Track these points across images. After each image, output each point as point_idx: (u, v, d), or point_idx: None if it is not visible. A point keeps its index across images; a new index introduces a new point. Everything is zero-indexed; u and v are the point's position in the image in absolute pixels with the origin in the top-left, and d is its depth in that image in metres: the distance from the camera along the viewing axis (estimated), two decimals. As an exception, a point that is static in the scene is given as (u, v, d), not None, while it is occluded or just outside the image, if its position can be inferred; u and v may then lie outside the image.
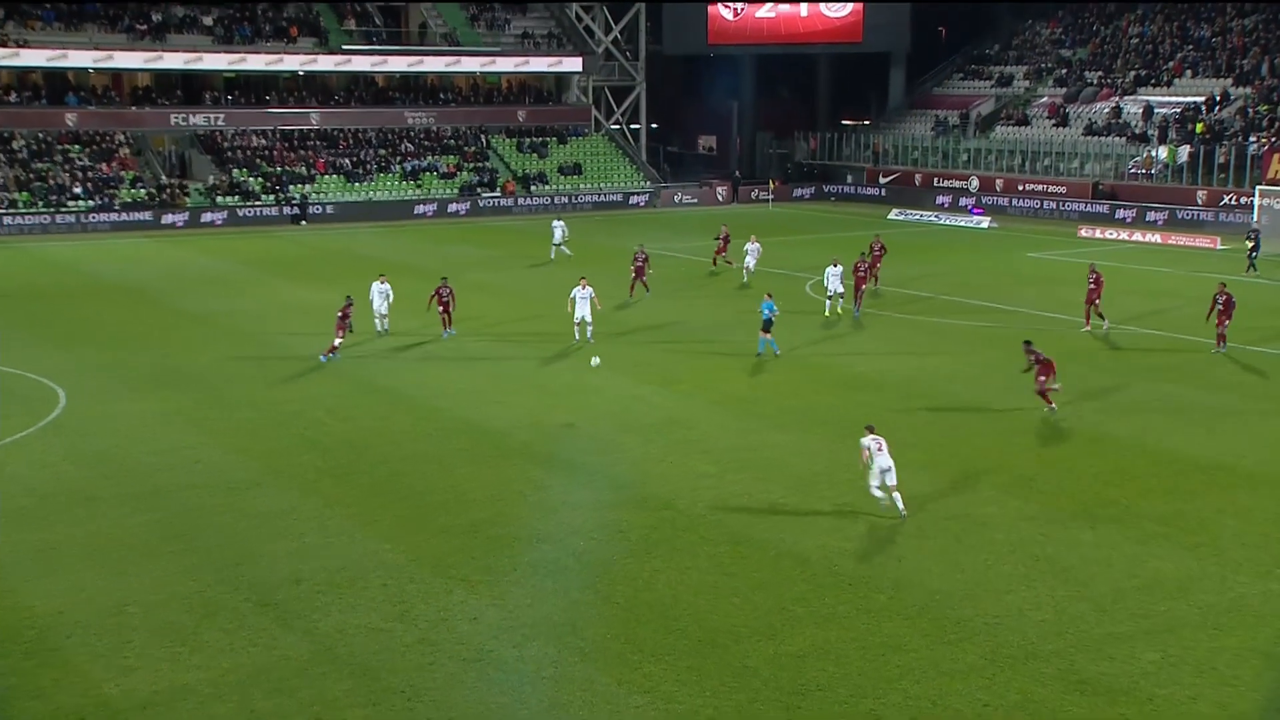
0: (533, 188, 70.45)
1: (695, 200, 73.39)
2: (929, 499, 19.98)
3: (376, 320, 32.56)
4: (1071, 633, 14.99)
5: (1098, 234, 56.14)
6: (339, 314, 29.99)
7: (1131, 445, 22.87)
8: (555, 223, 49.63)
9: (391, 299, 32.86)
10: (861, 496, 20.07)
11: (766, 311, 30.40)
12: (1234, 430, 23.86)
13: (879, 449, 19.01)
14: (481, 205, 67.36)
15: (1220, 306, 30.24)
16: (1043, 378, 24.65)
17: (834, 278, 36.21)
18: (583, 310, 30.77)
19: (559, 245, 48.50)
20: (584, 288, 30.98)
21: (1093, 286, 32.80)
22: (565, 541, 18.14)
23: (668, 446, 23.00)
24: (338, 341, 29.62)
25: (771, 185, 73.45)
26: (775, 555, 17.60)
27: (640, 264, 39.18)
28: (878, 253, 40.30)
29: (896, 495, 18.88)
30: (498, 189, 69.43)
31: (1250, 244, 44.47)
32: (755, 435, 23.75)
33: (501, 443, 22.78)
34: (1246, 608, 15.62)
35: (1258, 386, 27.15)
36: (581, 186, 71.79)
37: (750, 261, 41.18)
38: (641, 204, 71.70)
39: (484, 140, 73.08)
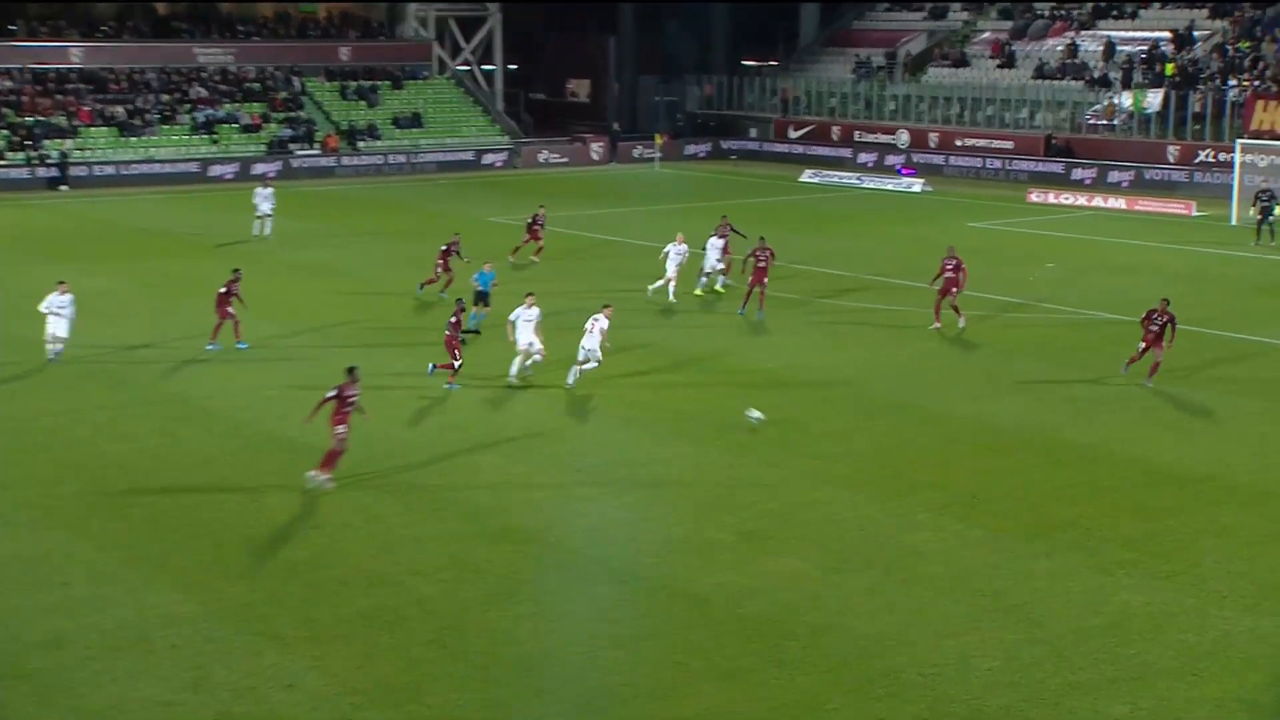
0: (361, 144, 69.74)
1: (565, 159, 73.52)
2: (852, 522, 20.28)
3: (49, 347, 29.26)
4: (1024, 683, 15.35)
5: (1051, 198, 57.68)
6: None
7: (1093, 454, 23.52)
8: (261, 190, 47.55)
9: (72, 316, 29.42)
10: (773, 521, 20.28)
11: (483, 284, 31.76)
12: (1213, 434, 24.69)
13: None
14: (296, 166, 66.47)
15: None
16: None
17: (714, 250, 36.53)
18: (527, 336, 27.64)
19: (265, 217, 46.43)
20: (529, 307, 27.70)
21: (951, 275, 32.57)
22: (406, 585, 17.99)
23: (534, 465, 22.96)
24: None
25: (658, 141, 73.91)
26: (667, 597, 17.68)
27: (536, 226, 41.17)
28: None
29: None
30: (316, 145, 68.58)
31: (1258, 209, 45.66)
32: (642, 448, 23.84)
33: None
34: (1230, 649, 16.17)
35: (1241, 382, 28.14)
36: (422, 142, 71.32)
37: (671, 268, 35.87)
38: (499, 164, 71.55)
39: (298, 84, 72.06)
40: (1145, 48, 65.90)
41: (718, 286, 36.88)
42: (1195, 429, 25.02)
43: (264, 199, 46.98)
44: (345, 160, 68.18)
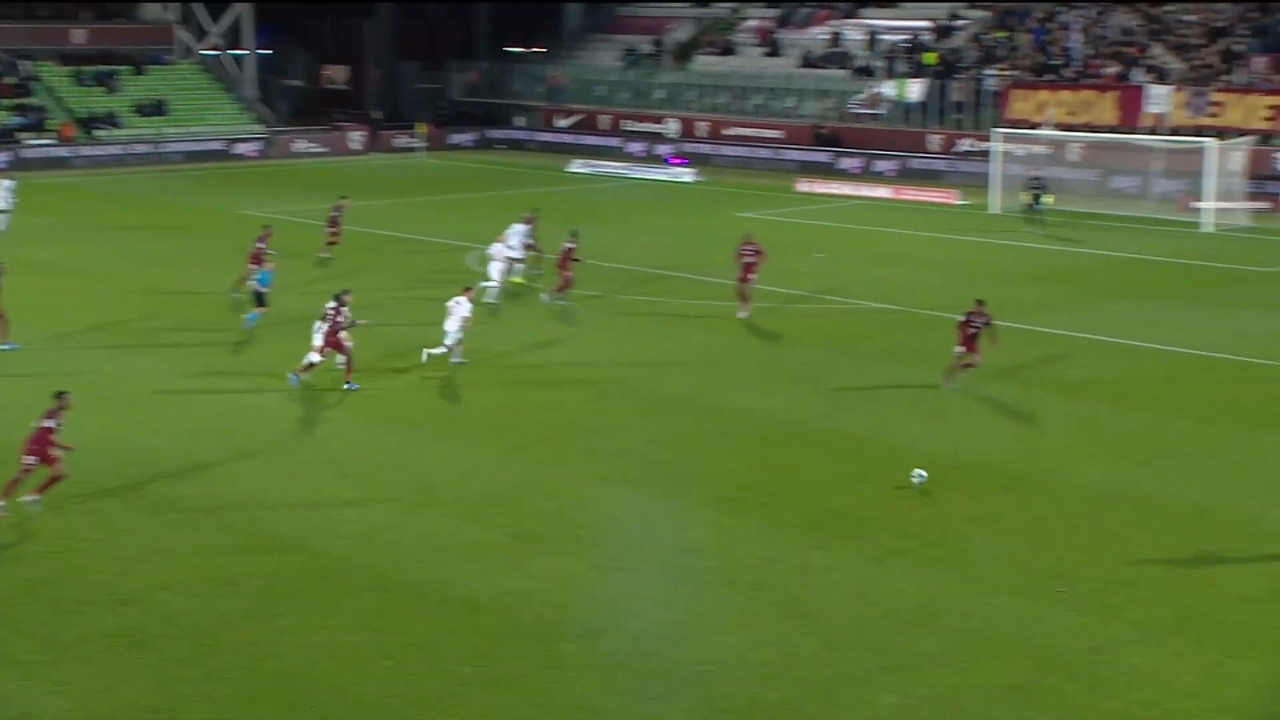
0: (99, 132, 67.31)
1: (324, 149, 72.35)
2: (627, 520, 20.46)
3: None
4: (798, 677, 15.70)
5: (819, 188, 59.10)
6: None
7: (865, 442, 24.21)
8: (5, 182, 46.26)
9: None
10: (546, 522, 20.31)
11: (262, 283, 31.63)
12: (980, 421, 25.66)
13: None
14: (27, 157, 63.75)
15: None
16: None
17: (516, 236, 36.48)
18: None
19: (4, 213, 45.16)
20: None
21: (750, 261, 33.18)
22: (155, 601, 17.46)
23: (295, 470, 22.54)
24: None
25: (421, 130, 73.30)
26: (437, 603, 17.55)
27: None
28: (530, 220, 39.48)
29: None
30: (49, 134, 65.94)
31: (1030, 197, 47.46)
32: (410, 450, 23.64)
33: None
34: (997, 635, 16.82)
35: (1006, 369, 29.28)
36: (167, 131, 69.24)
37: (494, 269, 35.07)
38: (251, 154, 69.97)
39: (26, 68, 69.17)
40: (907, 37, 68.04)
41: (517, 278, 36.65)
42: (962, 417, 25.93)
43: (5, 192, 45.11)
44: (83, 150, 65.76)
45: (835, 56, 69.57)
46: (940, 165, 60.96)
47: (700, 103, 72.38)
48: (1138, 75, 57.12)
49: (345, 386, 26.95)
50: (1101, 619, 17.18)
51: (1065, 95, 58.45)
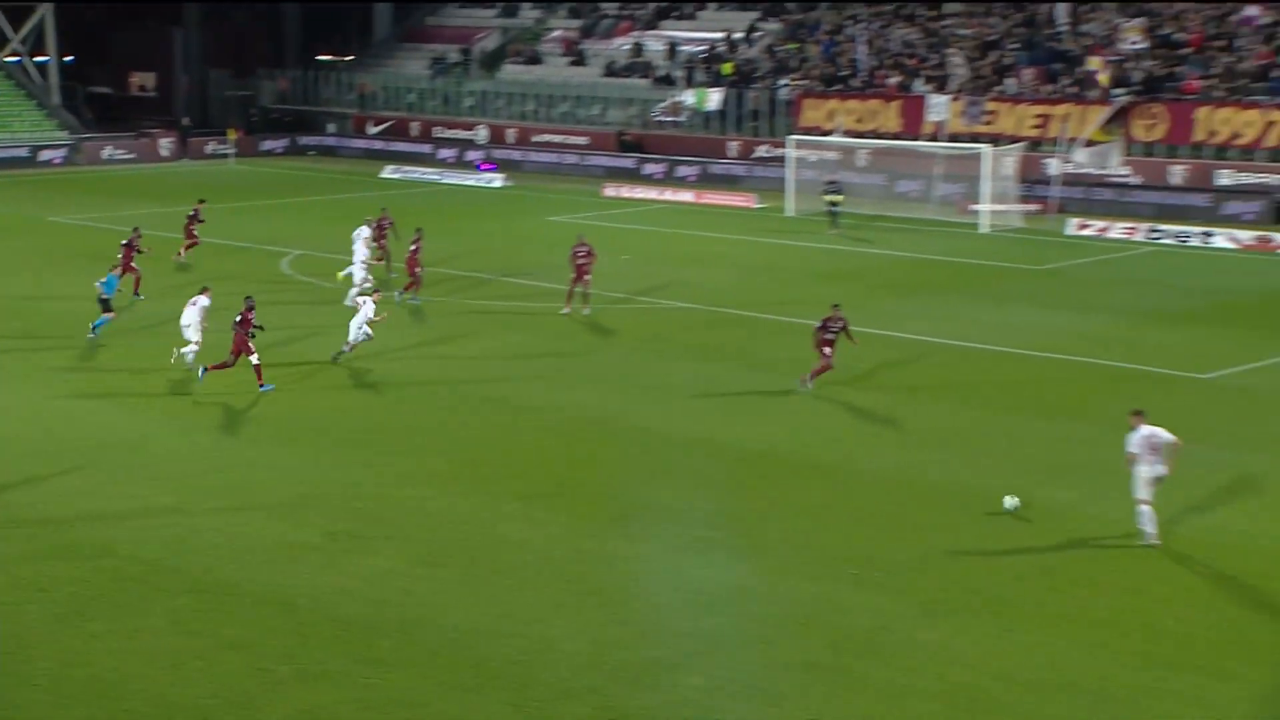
0: (-100, 139, 64.31)
1: (132, 155, 70.21)
2: (443, 516, 20.27)
3: None
4: (609, 663, 15.71)
5: (624, 193, 59.35)
6: None
7: (675, 437, 24.36)
8: None
9: None
10: (362, 520, 20.00)
11: (107, 290, 30.98)
12: (783, 414, 26.02)
13: (1151, 450, 18.76)
14: None
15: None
16: None
17: (359, 241, 36.08)
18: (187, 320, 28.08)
19: None
20: (205, 297, 28.31)
21: (583, 262, 33.40)
22: (-36, 613, 16.70)
23: (106, 475, 21.83)
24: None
25: (232, 136, 71.59)
26: (252, 604, 17.14)
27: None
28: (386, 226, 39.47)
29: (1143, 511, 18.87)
30: None
31: (830, 200, 48.13)
32: (226, 453, 23.09)
33: None
34: (796, 616, 17.06)
35: (800, 364, 29.76)
36: (-29, 138, 66.46)
37: (358, 269, 35.12)
38: (57, 160, 67.61)
39: None
40: (705, 48, 68.76)
41: (340, 274, 35.97)
42: (767, 411, 26.26)
43: None
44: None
45: (638, 66, 69.99)
46: (739, 170, 61.69)
47: (509, 110, 72.10)
48: (919, 85, 58.61)
49: (262, 389, 26.43)
50: (892, 599, 17.56)
51: (853, 104, 59.70)
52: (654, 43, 71.50)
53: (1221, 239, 45.52)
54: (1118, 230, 47.36)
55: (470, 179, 64.23)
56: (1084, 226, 48.00)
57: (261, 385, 26.49)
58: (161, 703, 14.69)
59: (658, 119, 66.84)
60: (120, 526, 19.70)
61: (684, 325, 33.49)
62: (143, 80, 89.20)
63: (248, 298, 27.24)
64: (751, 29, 69.43)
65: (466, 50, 76.48)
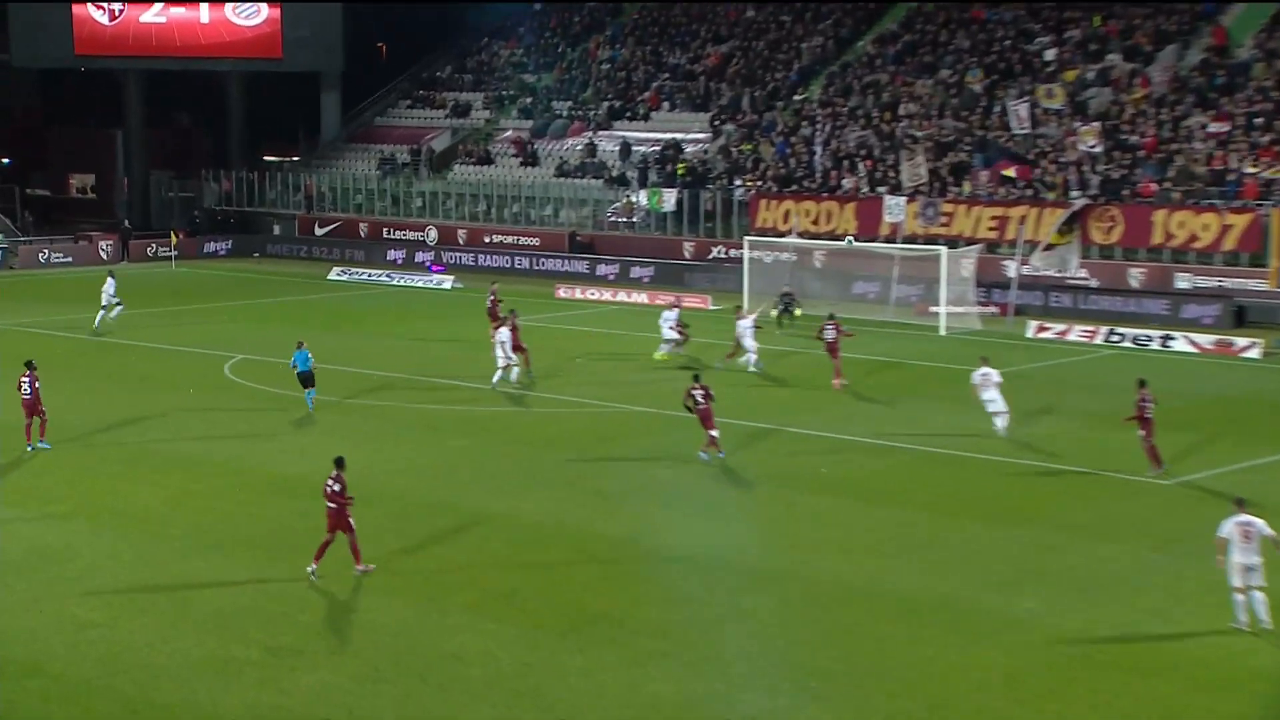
0: None
1: (70, 259, 69.97)
2: (388, 629, 20.09)
3: None
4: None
5: (578, 294, 59.63)
6: None
7: (623, 545, 24.32)
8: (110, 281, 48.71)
9: None
10: (305, 634, 19.79)
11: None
12: (734, 519, 26.05)
13: (1244, 539, 19.58)
14: None
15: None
16: None
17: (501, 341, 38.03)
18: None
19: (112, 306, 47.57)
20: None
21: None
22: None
23: (35, 590, 21.54)
24: None
25: (174, 238, 71.58)
26: (189, 724, 16.91)
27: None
28: None
29: (1257, 599, 19.61)
30: None
31: (778, 309, 48.66)
32: (161, 565, 22.85)
33: None
34: (754, 727, 16.98)
35: (754, 467, 29.86)
36: (-95, 240, 66.17)
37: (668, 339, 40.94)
38: (-6, 264, 67.33)
39: None
40: (659, 148, 69.57)
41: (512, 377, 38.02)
42: (717, 517, 26.27)
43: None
44: None
45: (591, 166, 70.69)
46: (694, 271, 62.17)
47: (459, 210, 72.56)
48: (874, 186, 59.46)
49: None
50: (855, 712, 17.49)
51: (809, 204, 60.43)
52: (607, 143, 72.29)
53: (1181, 343, 46.10)
54: (1077, 333, 47.94)
55: (420, 280, 64.40)
56: (1043, 329, 48.57)
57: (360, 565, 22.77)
58: (93, 828, 14.43)
59: (611, 219, 67.41)
60: (49, 644, 19.40)
61: (637, 428, 33.55)
62: (82, 182, 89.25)
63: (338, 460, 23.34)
64: (704, 130, 70.33)
65: (416, 150, 77.06)
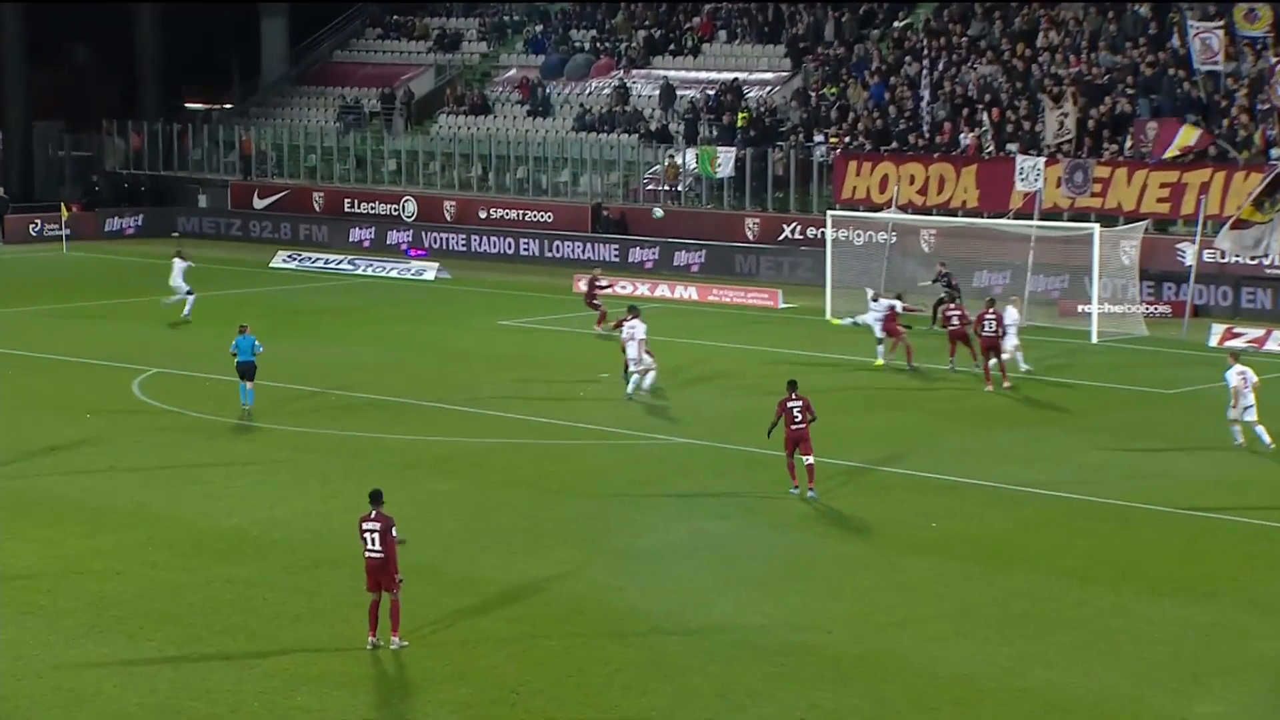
0: None
1: (-73, 239, 70.49)
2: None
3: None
4: None
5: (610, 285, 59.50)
6: None
7: (662, 623, 24.24)
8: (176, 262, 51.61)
9: None
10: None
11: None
12: (820, 587, 25.91)
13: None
14: None
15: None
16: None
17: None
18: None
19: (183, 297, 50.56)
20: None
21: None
22: None
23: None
24: None
25: (65, 212, 71.93)
26: None
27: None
28: None
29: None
30: None
31: (933, 300, 48.37)
32: (46, 650, 22.92)
33: None
34: None
35: (838, 516, 29.80)
36: None
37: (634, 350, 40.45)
38: None
39: None
40: (712, 92, 69.31)
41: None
42: (797, 582, 26.15)
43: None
44: None
45: (621, 117, 70.59)
46: (758, 256, 61.91)
47: (445, 176, 72.70)
48: (1002, 144, 59.14)
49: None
50: None
51: (914, 168, 60.18)
52: (644, 85, 72.24)
53: None
54: (1278, 341, 47.57)
55: (394, 267, 64.53)
56: (1232, 335, 48.23)
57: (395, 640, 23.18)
58: None
59: (649, 188, 67.33)
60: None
61: (676, 466, 33.52)
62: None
63: None
64: (772, 68, 70.16)
65: (389, 95, 77.27)
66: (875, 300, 44.54)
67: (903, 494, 31.62)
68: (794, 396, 30.43)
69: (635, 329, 39.33)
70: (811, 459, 30.24)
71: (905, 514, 30.18)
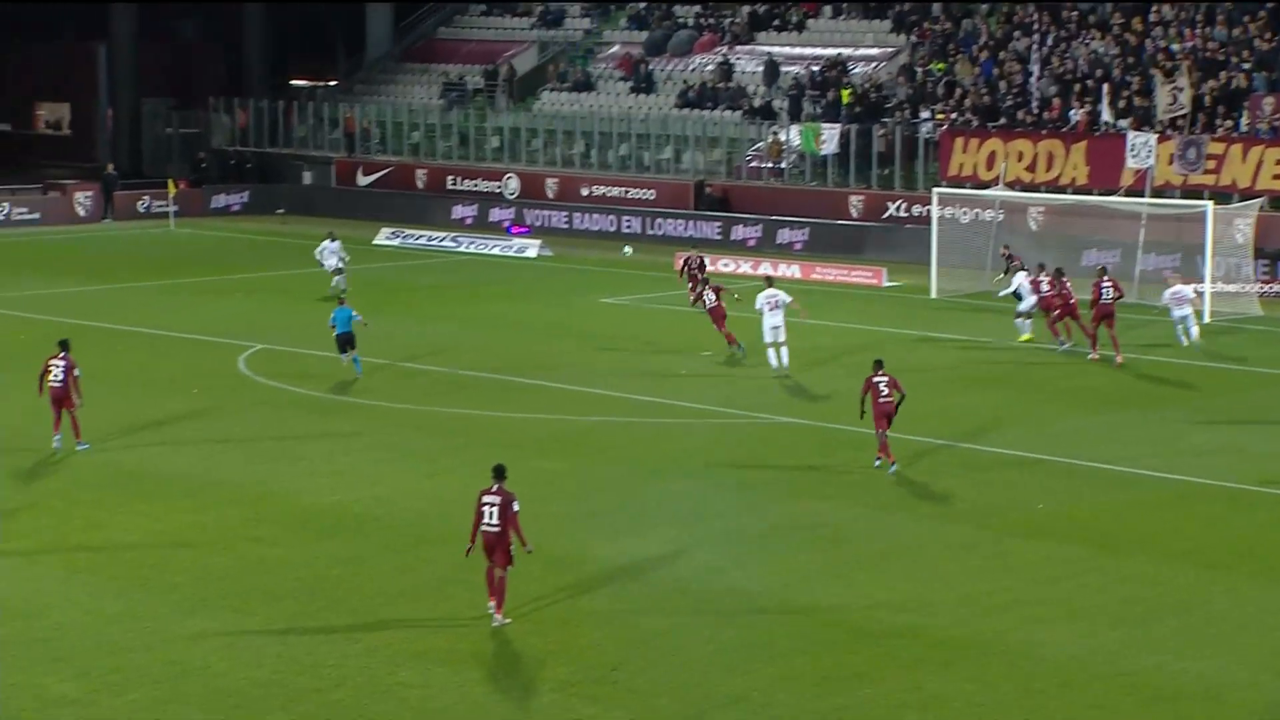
0: None
1: (37, 215, 71.25)
2: (448, 715, 20.22)
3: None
4: None
5: (707, 264, 59.41)
6: None
7: (763, 602, 24.22)
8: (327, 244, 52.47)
9: None
10: (336, 714, 20.00)
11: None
12: (924, 572, 25.79)
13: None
14: None
15: None
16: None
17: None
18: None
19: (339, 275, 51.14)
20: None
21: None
22: None
23: (-8, 654, 21.99)
24: None
25: (173, 189, 72.59)
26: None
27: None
28: None
29: None
30: None
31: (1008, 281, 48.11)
32: (155, 623, 23.15)
33: None
34: None
35: (942, 498, 29.63)
36: None
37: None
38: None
39: None
40: (817, 68, 69.12)
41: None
42: (902, 566, 26.04)
43: (331, 254, 52.01)
44: None
45: (724, 94, 70.51)
46: (864, 235, 61.78)
47: (548, 153, 72.83)
48: (1114, 119, 58.60)
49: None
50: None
51: (1022, 145, 59.77)
52: (747, 61, 72.12)
53: None
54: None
55: (496, 245, 64.73)
56: (1352, 317, 47.65)
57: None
58: None
59: (752, 165, 67.23)
60: (10, 724, 19.83)
61: (782, 446, 33.46)
62: (53, 113, 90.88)
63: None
64: (878, 44, 69.85)
65: (492, 72, 77.49)
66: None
67: (1009, 474, 31.42)
68: (880, 373, 30.70)
69: (777, 296, 39.96)
70: (885, 434, 30.68)
71: (1011, 495, 30.01)
